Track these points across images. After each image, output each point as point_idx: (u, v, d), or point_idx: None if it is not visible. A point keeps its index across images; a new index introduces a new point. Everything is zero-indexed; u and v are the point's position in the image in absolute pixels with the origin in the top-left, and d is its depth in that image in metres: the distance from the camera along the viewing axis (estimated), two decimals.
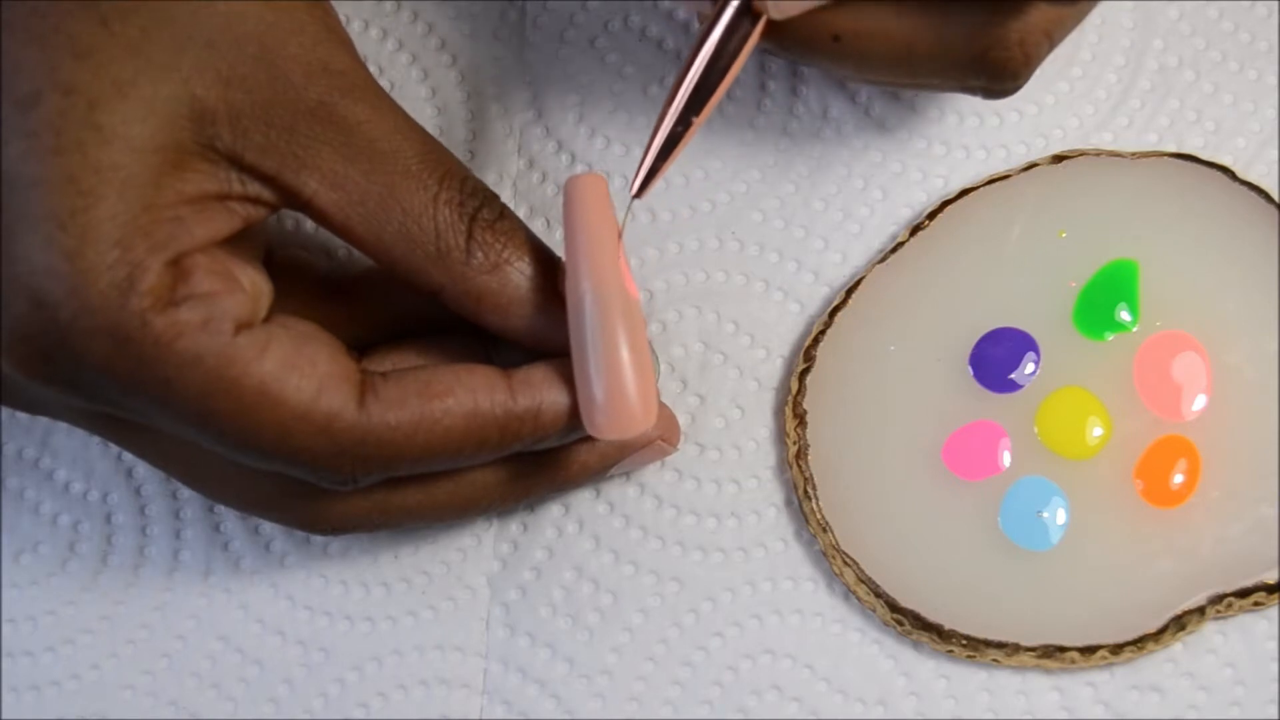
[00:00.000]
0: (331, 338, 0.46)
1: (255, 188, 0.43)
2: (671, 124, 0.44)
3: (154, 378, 0.42)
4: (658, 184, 0.49)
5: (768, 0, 0.43)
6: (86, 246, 0.41)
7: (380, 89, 0.45)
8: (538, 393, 0.45)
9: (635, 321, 0.45)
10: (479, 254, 0.45)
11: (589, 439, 0.47)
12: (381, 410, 0.44)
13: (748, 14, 0.44)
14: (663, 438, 0.48)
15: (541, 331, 0.45)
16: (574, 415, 0.45)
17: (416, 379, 0.44)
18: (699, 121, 0.44)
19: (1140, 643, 0.47)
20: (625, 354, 0.44)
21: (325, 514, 0.46)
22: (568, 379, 0.45)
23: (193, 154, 0.42)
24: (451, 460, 0.45)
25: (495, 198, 0.45)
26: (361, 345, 0.47)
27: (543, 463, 0.47)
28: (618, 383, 0.44)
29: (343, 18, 0.53)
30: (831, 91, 0.52)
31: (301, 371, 0.43)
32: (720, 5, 0.44)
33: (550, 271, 0.45)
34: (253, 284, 0.44)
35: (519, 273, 0.45)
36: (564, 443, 0.46)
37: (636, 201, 0.51)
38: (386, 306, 0.48)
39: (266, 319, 0.45)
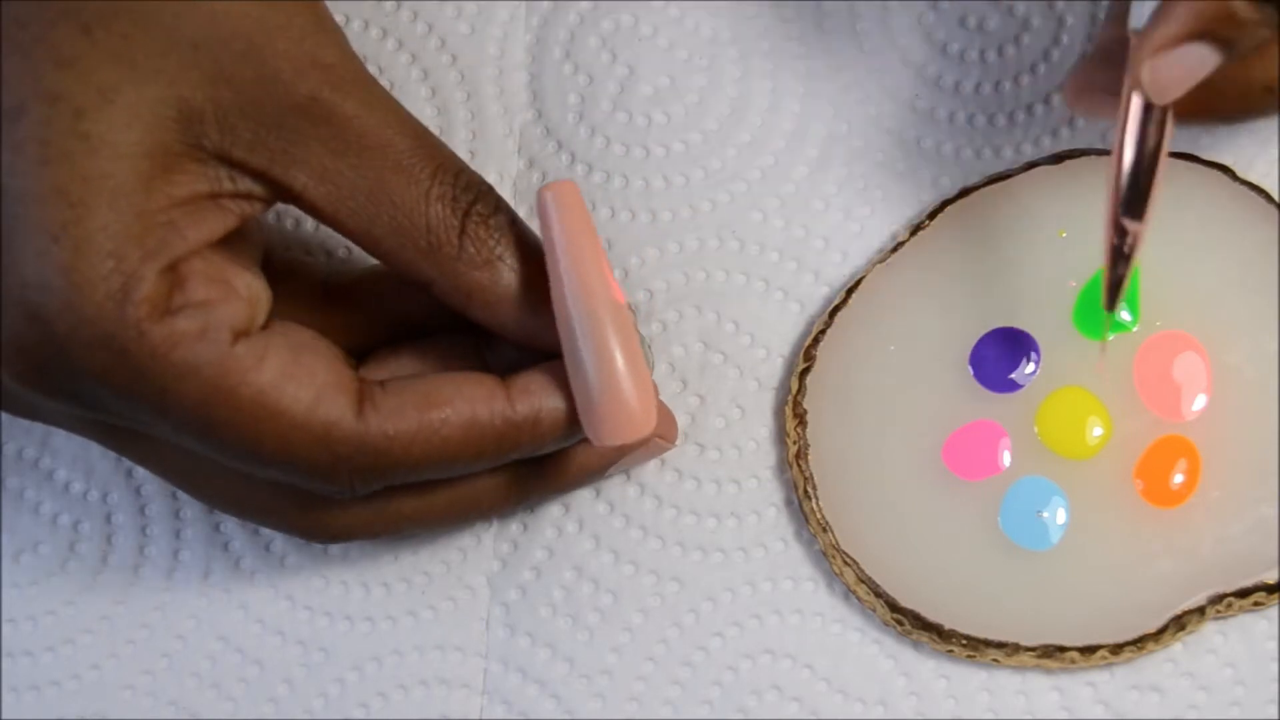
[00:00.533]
0: (330, 346, 0.46)
1: (246, 184, 0.43)
2: (1114, 232, 0.44)
3: (151, 388, 0.42)
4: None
5: (1145, 82, 0.43)
6: (80, 258, 0.41)
7: (372, 82, 0.44)
8: (536, 400, 0.45)
9: (626, 329, 0.44)
10: (470, 249, 0.45)
11: (587, 441, 0.47)
12: (380, 420, 0.43)
13: (1153, 108, 0.44)
14: (660, 435, 0.48)
15: (532, 329, 0.45)
16: (573, 421, 0.45)
17: (415, 389, 0.44)
18: (1144, 223, 0.44)
19: (1140, 643, 0.47)
20: (620, 364, 0.44)
21: (324, 522, 0.46)
22: (565, 385, 0.45)
23: (181, 155, 0.42)
24: (450, 469, 0.45)
25: (491, 191, 0.45)
26: (360, 350, 0.47)
27: (541, 467, 0.47)
28: (616, 393, 0.44)
29: (342, 17, 0.53)
30: (832, 91, 0.52)
31: (299, 381, 0.43)
32: (1123, 111, 0.44)
33: (543, 269, 0.45)
34: (250, 290, 0.44)
35: (510, 269, 0.45)
36: (562, 448, 0.46)
37: (636, 201, 0.51)
38: (385, 311, 0.48)
39: (265, 325, 0.45)
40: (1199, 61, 0.43)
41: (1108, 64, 0.46)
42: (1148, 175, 0.44)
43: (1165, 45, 0.43)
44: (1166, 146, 0.44)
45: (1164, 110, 0.44)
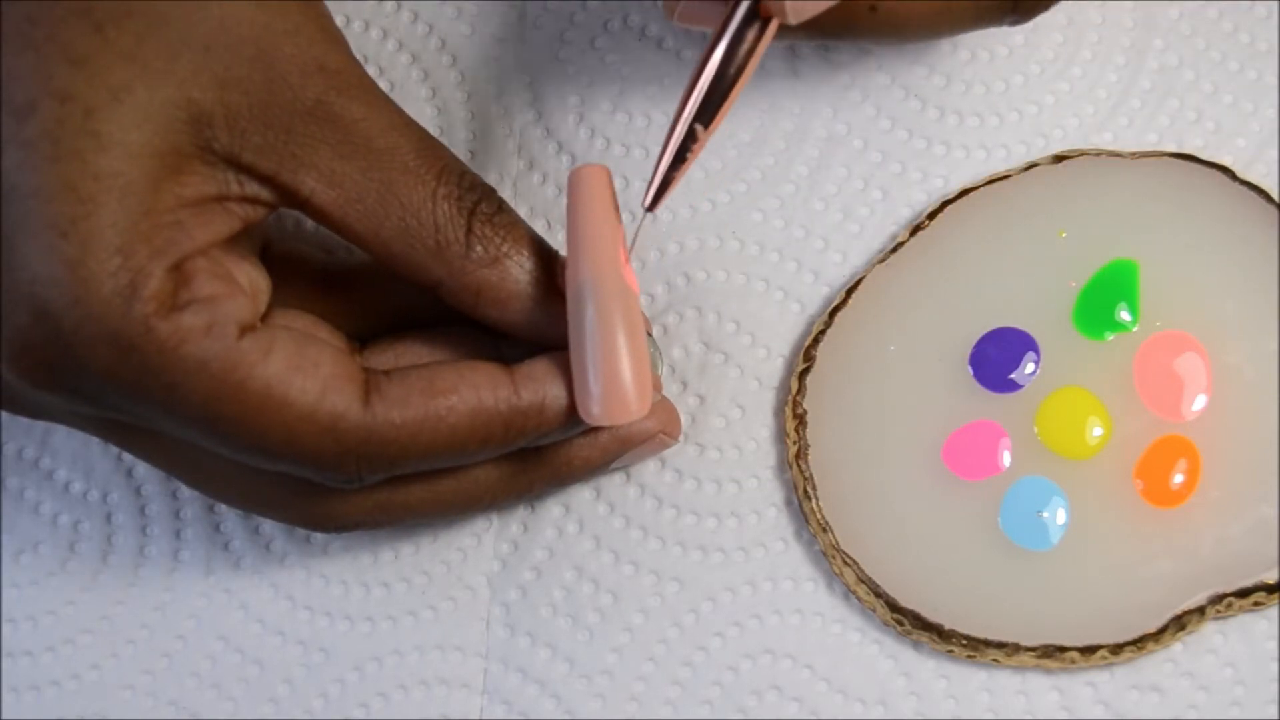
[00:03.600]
0: (334, 335, 0.46)
1: (254, 188, 0.43)
2: (682, 135, 0.44)
3: (159, 384, 0.42)
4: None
5: (785, 3, 0.43)
6: (88, 254, 0.41)
7: (376, 87, 0.45)
8: (541, 387, 0.45)
9: (633, 312, 0.45)
10: (478, 248, 0.45)
11: (591, 433, 0.47)
12: (386, 409, 0.44)
13: (756, 19, 0.44)
14: (664, 431, 0.48)
15: (540, 325, 0.45)
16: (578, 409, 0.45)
17: (420, 377, 0.44)
18: (709, 132, 0.44)
19: (1140, 643, 0.47)
20: (621, 342, 0.44)
21: (329, 512, 0.46)
22: (570, 373, 0.45)
23: (190, 157, 0.42)
24: (456, 457, 0.45)
25: (493, 192, 0.46)
26: (363, 337, 0.47)
27: (545, 457, 0.47)
28: (613, 370, 0.44)
29: (343, 18, 0.53)
30: (832, 91, 0.52)
31: (306, 373, 0.43)
32: (728, 13, 0.44)
33: (549, 265, 0.45)
34: (251, 281, 0.45)
35: (518, 266, 0.45)
36: (567, 437, 0.46)
37: (637, 202, 0.51)
38: (387, 298, 0.48)
39: (267, 315, 0.45)
40: None
41: None
42: (731, 82, 0.44)
43: None
44: (755, 64, 0.44)
45: (766, 23, 0.44)
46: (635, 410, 0.45)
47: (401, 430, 0.44)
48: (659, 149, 0.45)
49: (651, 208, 0.45)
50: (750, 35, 0.44)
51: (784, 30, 0.44)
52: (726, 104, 0.44)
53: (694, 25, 0.46)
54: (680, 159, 0.44)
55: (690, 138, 0.44)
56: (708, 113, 0.44)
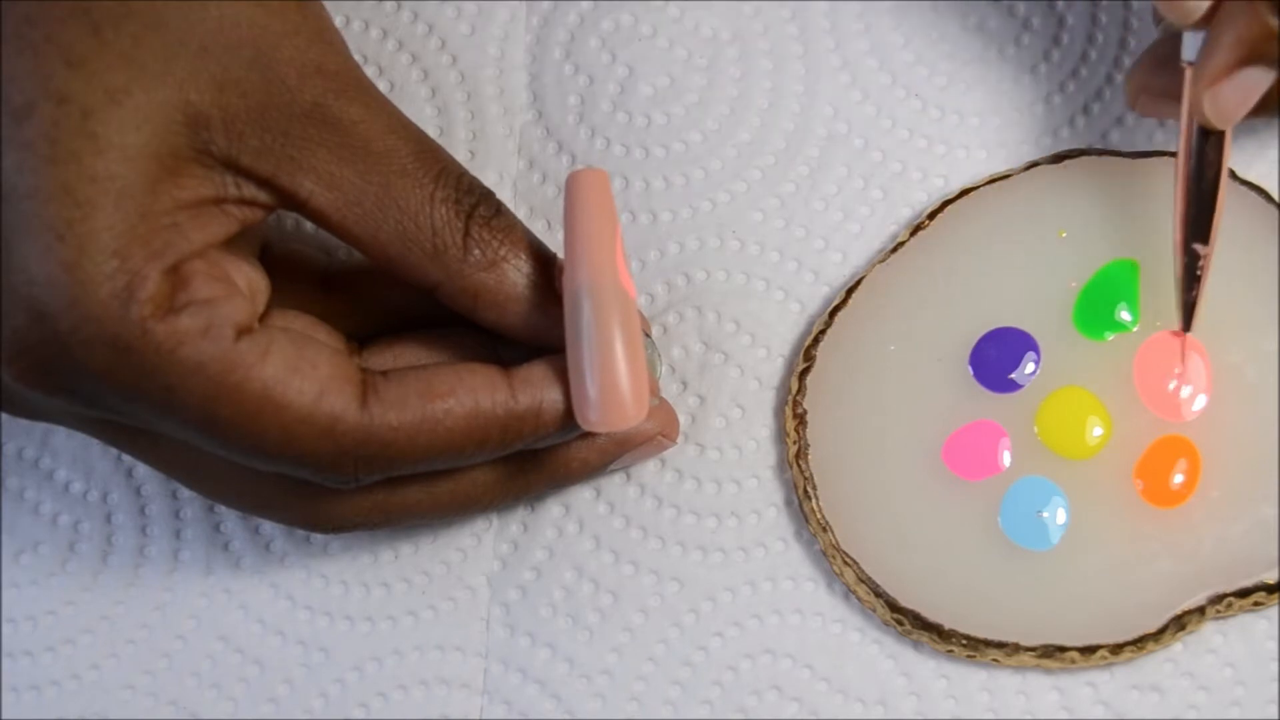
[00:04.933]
0: (332, 335, 0.46)
1: (251, 191, 0.43)
2: (1185, 257, 0.47)
3: (156, 386, 0.42)
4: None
5: (1208, 112, 0.45)
6: (84, 257, 0.41)
7: (374, 89, 0.45)
8: (538, 391, 0.45)
9: (630, 316, 0.45)
10: (476, 251, 0.45)
11: (589, 435, 0.47)
12: (383, 411, 0.44)
13: (1210, 133, 0.46)
14: (662, 433, 0.48)
15: (538, 328, 0.45)
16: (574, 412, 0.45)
17: (418, 379, 0.44)
18: (1211, 245, 0.46)
19: (1140, 643, 0.47)
20: (619, 347, 0.44)
21: (327, 513, 0.46)
22: (568, 376, 0.45)
23: (188, 160, 0.42)
24: (453, 459, 0.45)
25: (491, 194, 0.45)
26: (361, 337, 0.47)
27: (543, 459, 0.47)
28: (610, 376, 0.44)
29: (343, 18, 0.53)
30: (832, 91, 0.52)
31: (303, 374, 0.43)
32: (1183, 140, 0.46)
33: (547, 268, 0.45)
34: (249, 283, 0.45)
35: (516, 269, 0.45)
36: (565, 440, 0.46)
37: (637, 202, 0.51)
38: (385, 299, 0.48)
39: (265, 315, 0.45)
40: (1254, 83, 0.45)
41: (1161, 68, 0.47)
42: (1210, 197, 0.46)
43: (1220, 75, 0.45)
44: (1226, 167, 0.46)
45: (1222, 133, 0.46)
46: (632, 416, 0.44)
47: (399, 432, 0.44)
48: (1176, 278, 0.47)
49: (1187, 329, 0.48)
50: (1210, 148, 0.46)
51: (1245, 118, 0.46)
52: (1216, 217, 0.46)
53: (1156, 116, 0.49)
54: (1194, 279, 0.47)
55: (1193, 257, 0.46)
56: (1202, 230, 0.46)
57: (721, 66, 0.52)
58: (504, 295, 0.45)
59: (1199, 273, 0.47)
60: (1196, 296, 0.47)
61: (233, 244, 0.44)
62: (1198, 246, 0.46)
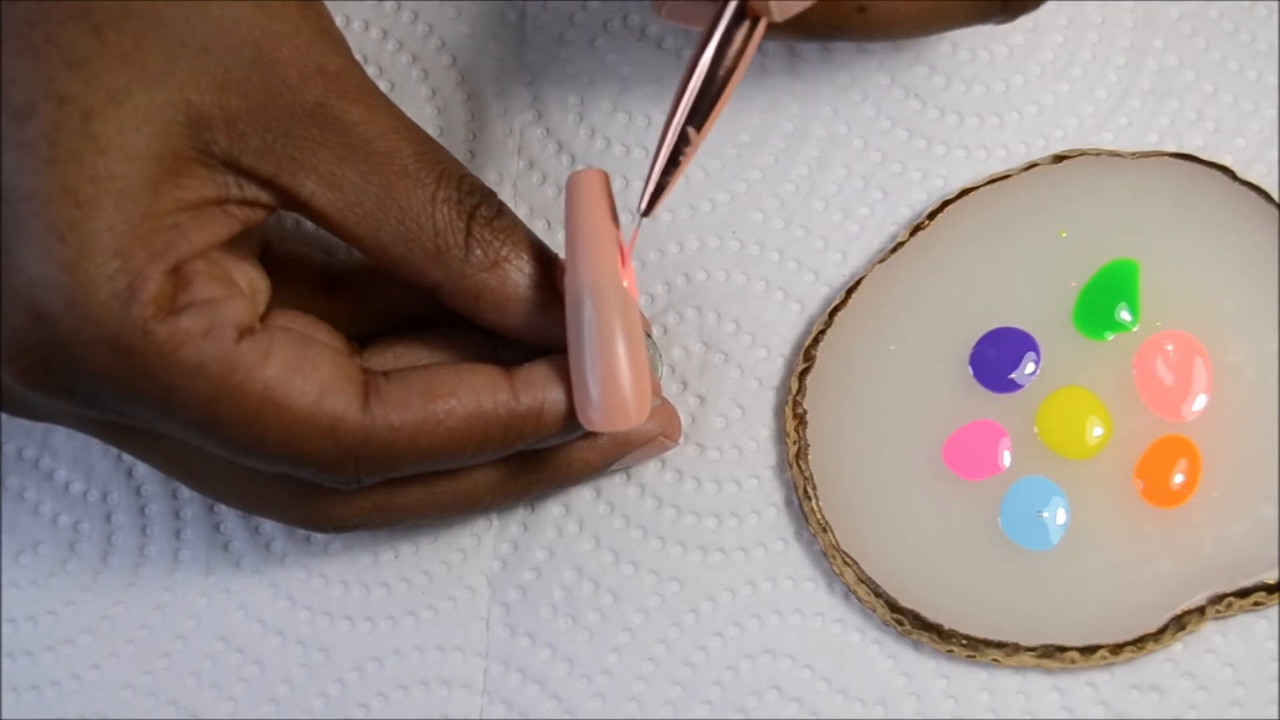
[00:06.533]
0: (333, 336, 0.46)
1: (253, 191, 0.43)
2: (675, 138, 0.44)
3: (157, 387, 0.42)
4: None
5: (770, 2, 0.43)
6: (85, 258, 0.41)
7: (375, 89, 0.45)
8: (540, 391, 0.45)
9: (632, 316, 0.45)
10: (477, 251, 0.45)
11: (590, 436, 0.47)
12: (385, 411, 0.44)
13: (744, 19, 0.44)
14: (664, 433, 0.48)
15: (540, 328, 0.45)
16: (575, 413, 0.45)
17: (419, 379, 0.44)
18: (702, 134, 0.44)
19: (1140, 643, 0.47)
20: (620, 348, 0.44)
21: (328, 513, 0.46)
22: (569, 377, 0.45)
23: (189, 160, 0.42)
24: (455, 460, 0.45)
25: (493, 195, 0.46)
26: (362, 337, 0.47)
27: (544, 460, 0.47)
28: (612, 376, 0.44)
29: (343, 18, 0.53)
30: (832, 91, 0.52)
31: (305, 375, 0.43)
32: (716, 14, 0.43)
33: (548, 269, 0.45)
34: (250, 283, 0.45)
35: (517, 270, 0.45)
36: (566, 440, 0.46)
37: (637, 203, 0.51)
38: (387, 300, 0.48)
39: (266, 315, 0.45)
40: None
41: None
42: (722, 84, 0.44)
43: None
44: (746, 64, 0.44)
45: (755, 22, 0.43)
46: (634, 416, 0.44)
47: (400, 433, 0.44)
48: (653, 151, 0.45)
49: (647, 212, 0.45)
50: (739, 35, 0.44)
51: (773, 30, 0.44)
52: (718, 106, 0.44)
53: (682, 23, 0.46)
54: (674, 163, 0.44)
55: (683, 140, 0.44)
56: (699, 115, 0.44)
57: None
58: (505, 295, 0.45)
59: (681, 159, 0.44)
60: (671, 181, 0.44)
61: (234, 244, 0.44)
62: (690, 130, 0.44)
